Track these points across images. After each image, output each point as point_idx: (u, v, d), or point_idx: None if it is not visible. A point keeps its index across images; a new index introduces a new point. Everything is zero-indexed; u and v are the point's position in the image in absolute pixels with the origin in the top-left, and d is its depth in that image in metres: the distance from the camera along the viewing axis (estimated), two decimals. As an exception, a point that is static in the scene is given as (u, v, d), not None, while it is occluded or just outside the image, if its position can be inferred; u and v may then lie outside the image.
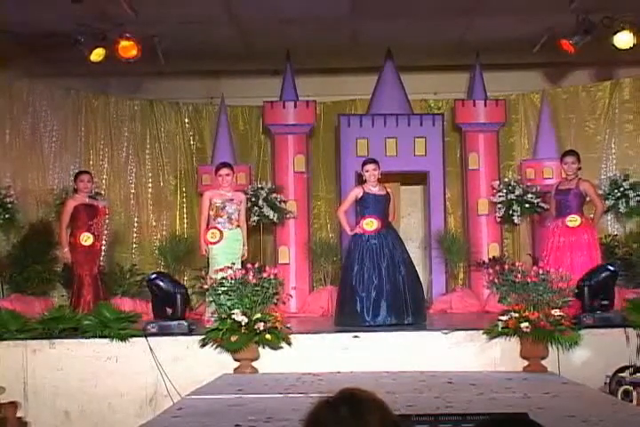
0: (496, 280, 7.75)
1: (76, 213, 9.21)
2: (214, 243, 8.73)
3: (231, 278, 7.57)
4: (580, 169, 9.12)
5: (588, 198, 9.10)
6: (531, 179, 11.62)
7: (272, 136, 11.90)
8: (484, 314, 10.01)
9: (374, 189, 8.85)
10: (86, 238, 9.14)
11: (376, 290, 8.57)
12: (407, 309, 8.54)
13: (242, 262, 8.53)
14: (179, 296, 7.89)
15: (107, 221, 10.87)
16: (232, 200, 8.91)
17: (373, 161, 8.99)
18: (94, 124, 12.12)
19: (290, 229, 11.52)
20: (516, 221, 11.42)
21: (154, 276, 8.21)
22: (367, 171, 8.83)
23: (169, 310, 7.87)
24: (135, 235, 12.21)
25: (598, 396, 6.52)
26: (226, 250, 8.70)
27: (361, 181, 9.21)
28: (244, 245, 8.93)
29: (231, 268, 7.76)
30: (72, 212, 9.20)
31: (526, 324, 7.35)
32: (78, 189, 9.34)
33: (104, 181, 11.94)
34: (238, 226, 8.91)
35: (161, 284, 7.96)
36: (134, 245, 12.16)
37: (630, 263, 10.70)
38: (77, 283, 9.10)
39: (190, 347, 7.61)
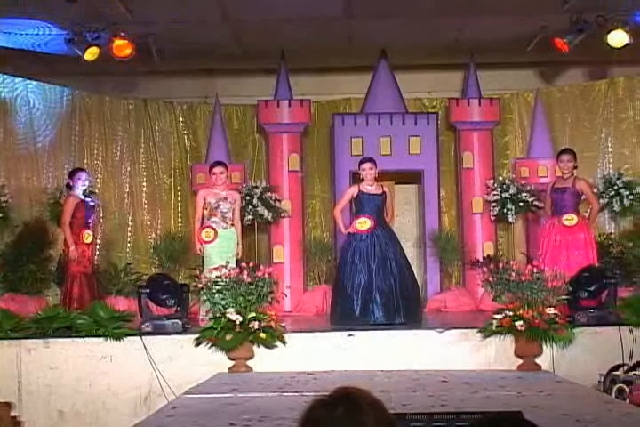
0: (490, 279, 7.75)
1: (75, 211, 9.14)
2: (208, 242, 8.72)
3: (226, 277, 7.56)
4: (576, 168, 9.12)
5: (583, 197, 9.10)
6: (525, 177, 11.63)
7: (266, 135, 11.88)
8: (479, 313, 10.01)
9: (370, 188, 8.83)
10: (87, 236, 9.11)
11: (366, 289, 8.56)
12: (399, 309, 8.51)
13: (236, 261, 8.52)
14: (184, 294, 7.93)
15: (101, 220, 10.84)
16: (226, 199, 8.89)
17: (370, 160, 8.96)
18: (88, 123, 12.07)
19: (284, 228, 11.51)
20: (510, 219, 11.42)
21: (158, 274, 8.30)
22: (364, 169, 8.82)
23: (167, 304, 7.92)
24: (130, 234, 12.17)
25: (592, 394, 6.52)
26: (220, 249, 8.68)
27: (357, 179, 9.19)
28: (238, 244, 8.91)
29: (226, 267, 7.75)
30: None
31: (521, 322, 7.36)
32: (75, 187, 9.20)
33: (98, 180, 11.90)
34: (232, 225, 8.90)
35: (167, 282, 8.03)
36: (129, 245, 12.12)
37: (624, 262, 10.70)
38: (72, 280, 9.06)
39: (185, 346, 7.60)
